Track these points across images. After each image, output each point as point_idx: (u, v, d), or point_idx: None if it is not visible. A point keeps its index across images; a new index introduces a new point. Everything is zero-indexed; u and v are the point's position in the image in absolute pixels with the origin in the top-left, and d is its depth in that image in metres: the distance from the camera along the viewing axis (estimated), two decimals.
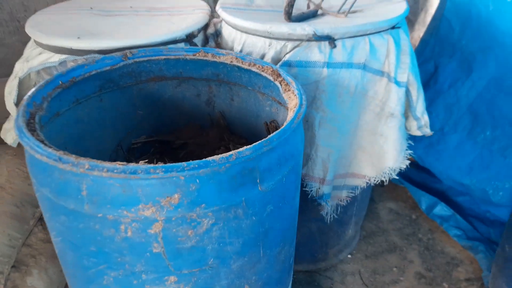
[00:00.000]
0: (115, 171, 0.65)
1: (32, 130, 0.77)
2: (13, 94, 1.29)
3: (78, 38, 1.14)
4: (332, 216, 1.39)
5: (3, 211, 1.32)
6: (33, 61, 1.22)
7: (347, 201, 1.41)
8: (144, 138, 1.25)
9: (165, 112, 1.23)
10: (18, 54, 2.31)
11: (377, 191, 2.02)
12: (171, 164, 0.66)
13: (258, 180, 0.75)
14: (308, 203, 1.38)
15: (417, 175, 1.99)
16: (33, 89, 0.88)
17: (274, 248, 0.87)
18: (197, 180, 0.68)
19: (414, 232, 1.82)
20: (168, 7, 1.41)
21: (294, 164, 0.84)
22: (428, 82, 2.08)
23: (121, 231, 0.70)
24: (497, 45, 1.80)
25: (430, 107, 2.00)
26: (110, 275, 0.77)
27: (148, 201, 0.68)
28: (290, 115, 0.83)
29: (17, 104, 1.31)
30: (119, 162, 0.66)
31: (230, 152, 0.69)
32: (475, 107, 1.83)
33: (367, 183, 1.37)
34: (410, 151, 1.33)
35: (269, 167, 0.76)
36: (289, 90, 0.93)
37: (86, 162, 0.66)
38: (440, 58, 2.07)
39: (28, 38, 2.30)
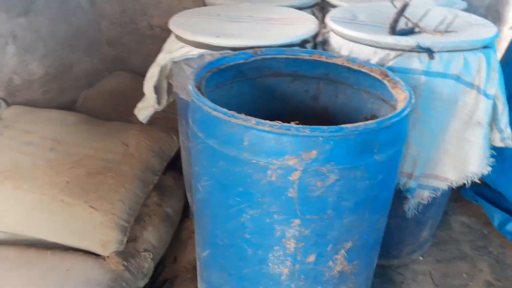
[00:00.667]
0: (275, 127, 0.87)
1: (203, 95, 1.02)
2: (154, 79, 1.59)
3: (217, 36, 1.41)
4: (413, 212, 1.53)
5: (134, 174, 1.61)
6: (176, 53, 1.50)
7: (428, 201, 1.55)
8: None
9: (278, 102, 1.46)
10: (132, 51, 2.71)
11: (451, 206, 2.11)
12: (315, 126, 0.87)
13: (375, 150, 0.94)
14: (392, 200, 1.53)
15: (491, 194, 2.06)
16: (196, 70, 1.15)
17: (375, 214, 1.05)
18: (331, 142, 0.89)
19: (485, 245, 1.89)
20: (283, 17, 1.66)
21: (401, 145, 1.02)
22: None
23: (267, 175, 0.92)
24: None
25: None
26: (249, 213, 0.99)
27: (293, 153, 0.89)
28: (402, 104, 1.01)
29: (156, 87, 1.61)
30: (277, 121, 0.88)
31: (359, 123, 0.89)
32: None
33: (448, 186, 1.50)
34: (492, 159, 1.45)
35: (385, 141, 0.95)
36: (397, 87, 1.12)
37: (252, 119, 0.89)
38: None
39: (140, 39, 2.69)
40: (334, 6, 1.92)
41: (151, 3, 2.56)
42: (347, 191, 0.95)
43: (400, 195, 1.51)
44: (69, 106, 2.34)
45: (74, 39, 2.40)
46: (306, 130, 0.87)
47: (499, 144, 1.49)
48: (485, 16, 2.33)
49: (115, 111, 2.28)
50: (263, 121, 0.88)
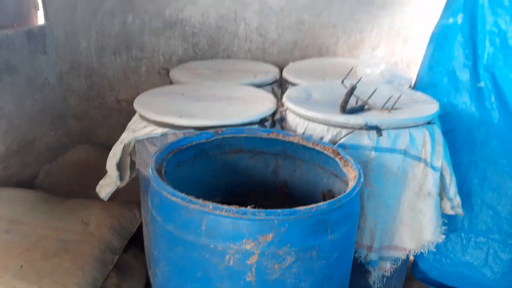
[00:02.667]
0: (231, 211, 0.90)
1: (162, 179, 1.05)
2: (117, 156, 1.61)
3: (180, 117, 1.47)
4: (378, 285, 1.55)
5: (92, 254, 1.57)
6: (139, 131, 1.55)
7: (390, 272, 1.58)
8: (220, 199, 1.51)
9: (239, 177, 1.51)
10: (98, 124, 2.74)
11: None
12: (271, 209, 0.91)
13: (329, 230, 0.98)
14: (354, 273, 1.55)
15: None
16: (157, 152, 1.19)
17: None
18: (286, 224, 0.92)
19: None
20: (243, 96, 1.76)
21: (354, 222, 1.07)
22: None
23: (225, 260, 0.93)
24: None
25: None
26: None
27: (250, 237, 0.92)
28: (352, 183, 1.08)
29: (119, 164, 1.63)
30: (234, 205, 0.91)
31: (311, 205, 0.94)
32: None
33: (407, 255, 1.54)
34: (445, 227, 1.52)
35: (337, 220, 0.99)
36: (348, 165, 1.20)
37: (210, 204, 0.92)
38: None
39: (107, 113, 2.75)
40: (292, 83, 2.05)
41: (118, 79, 2.64)
42: (304, 272, 0.97)
43: (362, 269, 1.54)
44: (30, 181, 2.30)
45: (40, 114, 2.42)
46: (261, 213, 0.90)
47: (450, 212, 1.57)
48: None
49: (78, 184, 2.25)
50: (220, 205, 0.92)
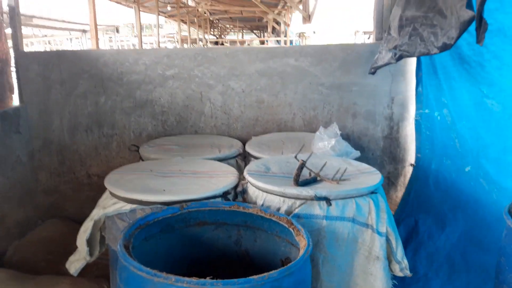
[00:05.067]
0: (192, 282, 1.02)
1: (130, 254, 1.15)
2: (87, 233, 1.69)
3: (148, 193, 1.60)
4: None
5: None
6: (109, 208, 1.66)
7: None
8: (186, 270, 1.60)
9: (204, 248, 1.61)
10: (68, 198, 2.80)
11: None
12: (227, 280, 1.03)
13: None
14: None
15: None
16: (125, 228, 1.30)
17: None
18: None
19: None
20: (208, 171, 1.92)
21: (305, 286, 1.19)
22: (411, 234, 2.48)
23: None
24: (463, 205, 2.25)
25: (414, 256, 2.36)
26: None
27: None
28: (301, 252, 1.22)
29: (89, 240, 1.70)
30: (194, 277, 1.03)
31: (264, 274, 1.07)
32: (451, 256, 2.19)
33: None
34: None
35: (288, 286, 1.12)
36: (299, 235, 1.34)
37: (172, 277, 1.03)
38: (418, 214, 2.52)
39: (77, 187, 2.83)
40: (254, 157, 2.24)
41: (89, 154, 2.76)
42: None
43: None
44: None
45: (10, 191, 2.47)
46: (219, 284, 1.02)
47: (399, 274, 1.71)
48: (381, 157, 2.82)
49: (46, 260, 2.26)
50: (181, 278, 1.03)
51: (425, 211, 2.48)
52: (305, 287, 1.20)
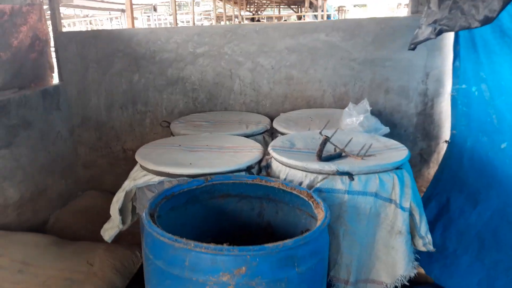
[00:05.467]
0: (210, 248, 1.07)
1: (154, 222, 1.22)
2: (119, 202, 1.79)
3: (175, 166, 1.67)
4: None
5: None
6: (139, 180, 1.74)
7: None
8: (210, 240, 1.66)
9: (228, 219, 1.67)
10: (106, 172, 2.95)
11: None
12: (243, 246, 1.08)
13: (296, 264, 1.13)
14: None
15: None
16: (151, 198, 1.37)
17: None
18: (257, 259, 1.08)
19: None
20: (233, 146, 1.96)
21: (321, 258, 1.22)
22: (442, 211, 2.43)
23: None
24: (497, 183, 2.18)
25: (444, 232, 2.32)
26: None
27: (226, 270, 1.08)
28: (318, 223, 1.24)
29: (121, 209, 1.81)
30: (212, 243, 1.08)
31: (279, 242, 1.10)
32: (482, 233, 2.13)
33: None
34: (417, 262, 1.65)
35: (304, 256, 1.15)
36: (318, 207, 1.36)
37: (192, 242, 1.09)
38: (451, 191, 2.46)
39: (114, 161, 2.96)
40: (281, 133, 2.26)
41: (125, 130, 2.89)
42: None
43: None
44: (41, 226, 2.48)
45: (52, 164, 2.64)
46: (235, 250, 1.07)
47: (422, 248, 1.70)
48: (414, 133, 2.75)
49: (85, 229, 2.42)
50: (200, 243, 1.09)
51: (458, 188, 2.42)
52: (321, 257, 1.23)
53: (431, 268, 2.22)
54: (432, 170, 2.78)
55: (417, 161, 2.80)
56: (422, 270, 2.38)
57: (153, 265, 1.19)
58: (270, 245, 1.09)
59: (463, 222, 2.26)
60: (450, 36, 2.53)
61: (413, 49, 2.33)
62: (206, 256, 1.08)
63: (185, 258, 1.10)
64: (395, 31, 2.56)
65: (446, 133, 2.71)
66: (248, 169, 1.74)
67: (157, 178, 1.69)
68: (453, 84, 2.56)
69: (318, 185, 1.59)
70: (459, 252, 2.14)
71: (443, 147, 2.74)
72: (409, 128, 2.77)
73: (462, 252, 2.13)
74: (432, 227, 2.31)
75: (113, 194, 2.52)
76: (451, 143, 2.63)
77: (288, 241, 1.11)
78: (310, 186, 1.62)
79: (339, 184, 1.59)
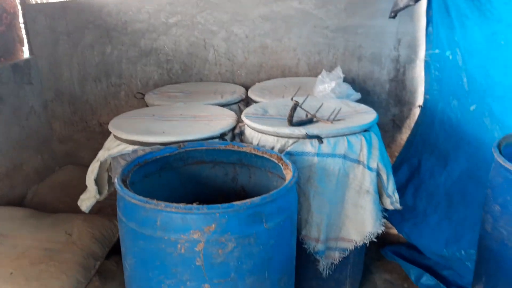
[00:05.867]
0: (179, 208, 1.11)
1: (126, 187, 1.25)
2: (94, 173, 1.81)
3: (148, 135, 1.69)
4: (328, 272, 1.75)
5: (75, 260, 1.75)
6: (113, 150, 1.76)
7: (340, 261, 1.77)
8: None
9: (203, 186, 1.71)
10: (82, 146, 2.94)
11: (375, 264, 2.34)
12: (212, 205, 1.12)
13: (264, 220, 1.18)
14: (309, 262, 1.75)
15: (407, 252, 2.33)
16: (124, 165, 1.39)
17: (275, 274, 1.26)
18: (226, 216, 1.13)
19: None
20: (208, 115, 1.98)
21: (289, 215, 1.28)
22: (413, 173, 2.53)
23: (178, 249, 1.13)
24: (466, 144, 2.26)
25: (415, 193, 2.42)
26: (166, 283, 1.17)
27: (196, 228, 1.12)
28: (286, 182, 1.29)
29: (97, 179, 1.82)
30: (182, 203, 1.12)
31: (246, 200, 1.15)
32: (450, 193, 2.24)
33: (355, 246, 1.75)
34: (384, 220, 1.73)
35: (271, 212, 1.20)
36: (287, 168, 1.41)
37: (162, 203, 1.13)
38: (423, 154, 2.55)
39: (90, 136, 2.95)
40: (255, 101, 2.28)
41: (100, 104, 2.86)
42: (245, 256, 1.17)
43: (311, 258, 1.74)
44: (19, 202, 2.48)
45: (27, 139, 2.62)
46: (204, 208, 1.11)
47: (389, 207, 1.78)
48: (387, 99, 2.81)
49: (63, 203, 2.43)
50: (170, 204, 1.12)
51: (429, 151, 2.50)
52: (288, 214, 1.28)
53: (402, 227, 2.33)
54: (404, 135, 2.86)
55: (390, 127, 2.86)
56: (394, 231, 2.50)
57: (126, 228, 1.23)
58: (238, 202, 1.13)
59: (433, 183, 2.35)
60: (422, 2, 2.55)
61: (394, 17, 2.35)
62: (176, 215, 1.12)
63: (156, 219, 1.14)
64: None
65: (418, 99, 2.77)
66: (222, 136, 1.77)
67: (130, 147, 1.71)
68: (427, 49, 2.60)
69: (288, 149, 1.64)
70: (428, 211, 2.24)
71: (415, 113, 2.81)
72: (381, 94, 2.82)
73: (431, 211, 2.23)
74: (403, 189, 2.42)
75: None
76: (423, 108, 2.70)
77: (255, 199, 1.16)
78: (281, 151, 1.67)
79: (309, 147, 1.64)
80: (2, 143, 2.40)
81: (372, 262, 2.34)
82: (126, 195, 1.20)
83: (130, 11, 2.66)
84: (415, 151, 2.63)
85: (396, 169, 2.52)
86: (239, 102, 2.37)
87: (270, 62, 2.74)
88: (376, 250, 2.42)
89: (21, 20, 2.74)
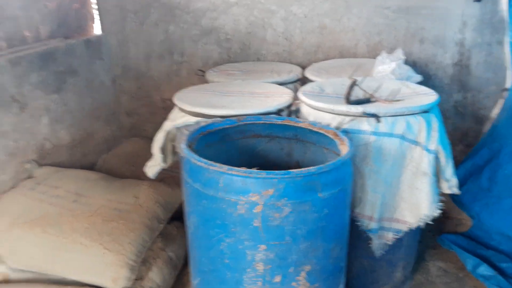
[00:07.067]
0: (241, 171, 1.19)
1: (191, 150, 1.35)
2: (160, 142, 1.95)
3: (210, 107, 1.78)
4: (380, 252, 1.77)
5: (141, 221, 1.91)
6: (177, 120, 1.88)
7: (394, 243, 1.79)
8: None
9: (258, 158, 1.79)
10: (146, 120, 3.13)
11: (429, 252, 2.33)
12: (271, 171, 1.19)
13: (318, 189, 1.24)
14: (362, 241, 1.78)
15: (465, 242, 2.28)
16: (189, 133, 1.50)
17: (328, 242, 1.32)
18: (284, 182, 1.20)
19: (460, 287, 2.07)
20: (265, 92, 2.04)
21: (343, 187, 1.32)
22: (492, 157, 2.44)
23: (237, 209, 1.22)
24: None
25: (491, 176, 2.34)
26: (225, 241, 1.27)
27: (255, 191, 1.20)
28: (342, 156, 1.33)
29: (162, 148, 1.96)
30: (243, 167, 1.20)
31: (303, 169, 1.20)
32: None
33: (409, 228, 1.75)
34: (440, 203, 1.71)
35: (326, 182, 1.25)
36: (343, 144, 1.45)
37: (225, 166, 1.22)
38: (504, 139, 2.44)
39: (154, 110, 3.11)
40: (312, 81, 2.31)
41: (163, 81, 3.03)
42: (299, 221, 1.23)
43: (367, 236, 1.77)
44: (90, 168, 2.71)
45: (97, 111, 2.84)
46: (263, 173, 1.18)
47: (447, 191, 1.76)
48: (449, 84, 2.71)
49: (129, 171, 2.63)
50: (232, 167, 1.21)
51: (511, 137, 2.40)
52: (343, 187, 1.32)
53: (473, 206, 2.27)
54: (466, 123, 2.76)
55: (452, 113, 2.77)
56: (451, 220, 2.45)
57: (192, 188, 1.33)
58: (295, 170, 1.19)
59: (510, 168, 2.26)
60: None
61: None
62: (237, 178, 1.20)
63: (219, 180, 1.23)
64: None
65: (483, 85, 2.66)
66: (278, 112, 1.83)
67: (193, 119, 1.82)
68: (511, 29, 2.45)
69: (345, 126, 1.66)
70: (503, 195, 2.18)
71: (479, 99, 2.70)
72: (444, 79, 2.73)
73: (506, 195, 2.16)
74: (480, 172, 2.35)
75: None
76: (511, 91, 2.56)
77: (311, 168, 1.21)
78: (337, 128, 1.69)
79: (366, 125, 1.65)
80: (76, 113, 2.62)
81: (427, 249, 2.34)
82: (192, 158, 1.30)
83: None
84: (497, 135, 2.52)
85: (476, 151, 2.47)
86: (295, 81, 2.41)
87: (328, 43, 2.74)
88: (431, 239, 2.40)
89: None
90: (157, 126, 3.13)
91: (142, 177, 2.26)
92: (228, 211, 1.23)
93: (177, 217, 2.21)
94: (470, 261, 2.14)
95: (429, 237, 2.42)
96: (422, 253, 2.30)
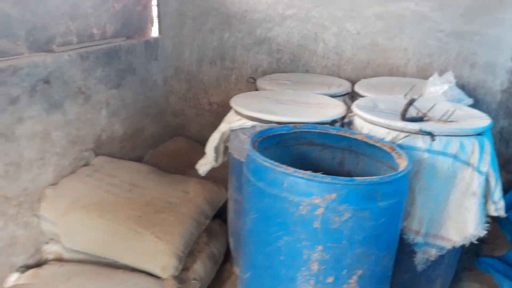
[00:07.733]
0: (306, 175, 1.26)
1: (256, 150, 1.43)
2: (215, 142, 2.04)
3: (267, 113, 1.86)
4: (422, 267, 1.80)
5: (189, 215, 2.00)
6: (234, 123, 1.97)
7: (436, 260, 1.81)
8: None
9: (310, 166, 1.84)
10: (192, 121, 3.25)
11: (466, 274, 2.32)
12: (335, 176, 1.25)
13: (378, 198, 1.29)
14: (404, 255, 1.81)
15: (502, 267, 2.27)
16: (252, 135, 1.58)
17: (380, 250, 1.36)
18: (346, 188, 1.25)
19: None
20: (318, 103, 2.11)
21: (400, 199, 1.37)
22: None
23: (299, 210, 1.28)
24: None
25: None
26: (284, 239, 1.33)
27: (318, 194, 1.26)
28: (401, 168, 1.38)
29: (216, 148, 2.05)
30: (309, 171, 1.27)
31: (366, 178, 1.26)
32: None
33: (453, 246, 1.77)
34: (487, 224, 1.73)
35: (385, 193, 1.30)
36: (400, 158, 1.49)
37: (291, 168, 1.28)
38: None
39: (200, 112, 3.23)
40: (362, 96, 2.36)
41: (212, 84, 3.14)
42: (357, 227, 1.29)
43: (410, 250, 1.79)
44: (137, 161, 2.83)
45: (148, 108, 2.98)
46: (328, 178, 1.25)
47: (494, 213, 1.77)
48: (497, 110, 2.71)
49: (173, 168, 2.74)
50: (298, 170, 1.27)
51: None
52: (400, 199, 1.37)
53: None
54: (510, 149, 2.75)
55: (497, 139, 2.76)
56: (488, 244, 2.44)
57: (254, 187, 1.40)
58: (359, 178, 1.25)
59: None
60: None
61: None
62: (302, 180, 1.27)
63: (283, 181, 1.30)
64: (488, 4, 2.51)
65: None
66: (332, 122, 1.89)
67: (250, 123, 1.90)
68: None
69: (399, 141, 1.71)
70: None
71: None
72: (491, 104, 2.73)
73: None
74: None
75: (197, 141, 2.79)
76: None
77: (374, 177, 1.27)
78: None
79: (420, 143, 1.69)
80: (130, 108, 2.76)
81: (464, 271, 2.33)
82: (258, 158, 1.37)
83: (251, 1, 2.88)
84: None
85: None
86: (345, 95, 2.47)
87: (378, 60, 2.79)
88: (468, 261, 2.39)
89: (153, 2, 3.10)
90: (202, 127, 3.27)
91: (185, 174, 2.37)
92: (290, 210, 1.30)
93: (220, 215, 2.29)
94: (506, 285, 2.13)
95: (466, 259, 2.41)
96: (459, 273, 2.30)
